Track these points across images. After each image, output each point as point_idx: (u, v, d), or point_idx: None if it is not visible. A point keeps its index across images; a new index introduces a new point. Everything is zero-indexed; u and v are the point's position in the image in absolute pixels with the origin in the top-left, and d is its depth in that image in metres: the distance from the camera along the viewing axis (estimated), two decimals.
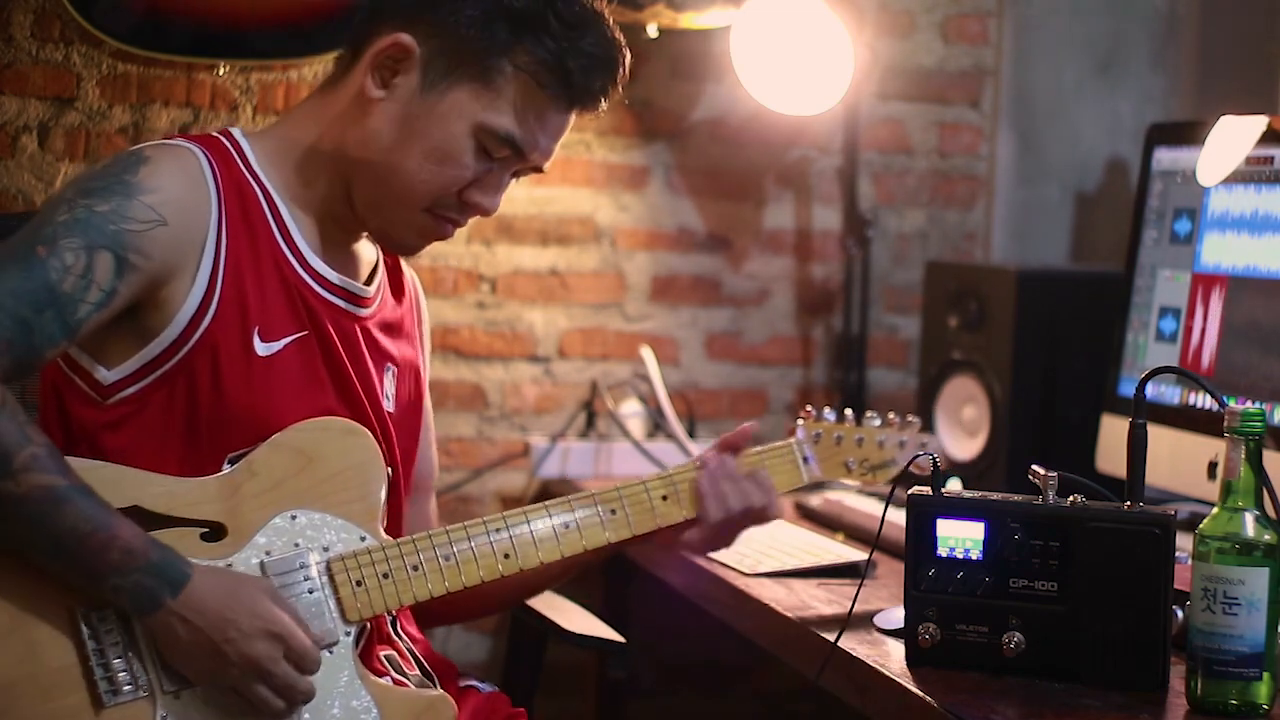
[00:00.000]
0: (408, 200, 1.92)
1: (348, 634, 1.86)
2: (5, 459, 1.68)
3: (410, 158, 1.90)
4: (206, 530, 1.82)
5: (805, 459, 2.13)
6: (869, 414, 2.18)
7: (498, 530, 1.95)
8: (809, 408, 2.17)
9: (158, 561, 1.73)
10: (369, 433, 1.91)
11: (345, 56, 1.96)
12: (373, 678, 1.88)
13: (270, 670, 1.75)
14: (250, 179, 1.90)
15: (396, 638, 2.01)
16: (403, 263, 2.12)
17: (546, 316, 3.21)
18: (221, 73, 2.95)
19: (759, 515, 2.05)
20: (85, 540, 1.70)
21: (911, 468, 2.03)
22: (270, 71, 2.98)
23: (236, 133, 1.94)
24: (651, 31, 3.06)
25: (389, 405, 2.01)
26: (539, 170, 1.97)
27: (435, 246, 3.06)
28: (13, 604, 1.74)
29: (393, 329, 2.05)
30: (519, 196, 3.17)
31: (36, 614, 1.74)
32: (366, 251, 2.04)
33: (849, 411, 2.18)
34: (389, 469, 1.96)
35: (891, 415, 2.19)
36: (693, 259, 3.28)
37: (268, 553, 1.83)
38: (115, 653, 1.75)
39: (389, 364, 2.02)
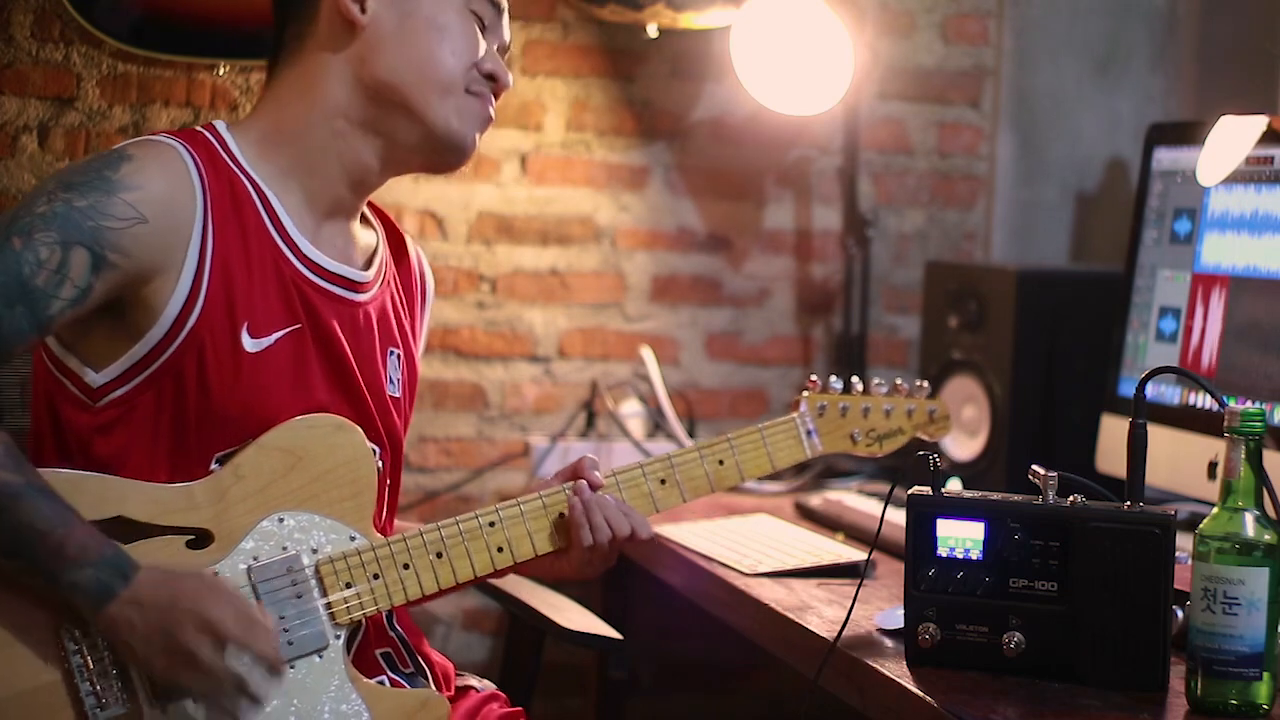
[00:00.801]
0: (450, 83, 1.93)
1: (338, 637, 1.85)
2: None
3: (430, 43, 1.92)
4: (192, 538, 1.81)
5: (808, 432, 2.09)
6: (877, 382, 2.13)
7: (490, 524, 1.93)
8: (814, 378, 2.12)
9: (110, 555, 1.72)
10: (358, 428, 1.90)
11: (295, 23, 1.95)
12: (364, 680, 1.86)
13: (226, 631, 1.72)
14: (238, 172, 1.89)
15: (391, 633, 2.00)
16: (407, 238, 2.11)
17: (546, 316, 3.20)
18: (221, 73, 2.95)
19: (628, 539, 1.97)
20: (43, 538, 1.69)
21: (920, 434, 1.99)
22: None
23: (220, 126, 1.92)
24: (651, 31, 3.05)
25: (393, 390, 1.99)
26: (504, 51, 2.02)
27: (435, 246, 3.08)
28: None
29: (397, 310, 2.04)
30: (519, 196, 3.17)
31: (21, 632, 1.73)
32: (365, 236, 2.02)
33: (856, 380, 2.13)
34: (388, 456, 1.95)
35: (899, 382, 2.14)
36: (693, 259, 3.28)
37: (255, 558, 1.82)
38: (101, 669, 1.74)
39: (392, 347, 2.01)
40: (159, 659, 1.73)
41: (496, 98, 1.99)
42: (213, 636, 1.73)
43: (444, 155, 1.98)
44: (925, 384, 2.15)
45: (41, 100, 2.89)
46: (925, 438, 2.12)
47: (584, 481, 1.96)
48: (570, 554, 1.97)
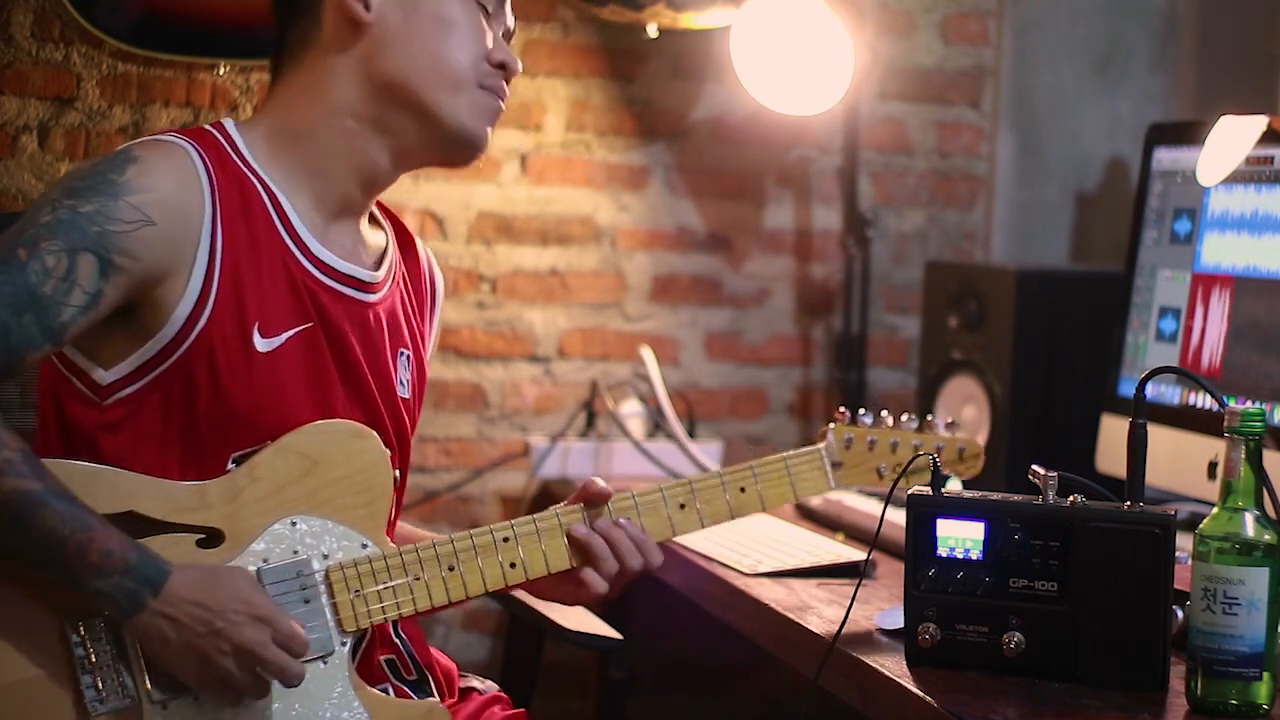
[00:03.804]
0: (461, 79, 1.92)
1: (344, 644, 1.84)
2: None
3: (438, 39, 1.91)
4: (203, 536, 1.80)
5: (834, 464, 2.05)
6: (906, 416, 2.09)
7: (505, 539, 1.92)
8: (842, 409, 2.08)
9: (136, 563, 1.71)
10: (376, 436, 1.89)
11: (298, 24, 1.94)
12: (367, 689, 1.86)
13: (262, 655, 1.74)
14: (247, 171, 1.88)
15: (396, 639, 2.00)
16: (417, 239, 2.10)
17: (546, 316, 3.21)
18: (221, 73, 2.95)
19: (638, 573, 1.97)
20: (64, 544, 1.68)
21: (947, 473, 1.95)
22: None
23: (229, 124, 1.91)
24: (651, 31, 3.06)
25: (404, 391, 1.99)
26: (510, 35, 2.00)
27: (435, 246, 3.08)
28: None
29: (406, 311, 2.03)
30: (519, 196, 3.17)
31: (23, 624, 1.73)
32: (374, 236, 2.02)
33: (885, 414, 2.09)
34: (397, 459, 1.94)
35: (930, 417, 2.11)
36: (693, 259, 3.28)
37: (265, 560, 1.81)
38: (103, 662, 1.74)
39: (402, 348, 2.00)
40: (193, 673, 1.74)
41: (507, 84, 1.98)
42: (250, 659, 1.74)
43: (458, 151, 1.97)
44: (956, 421, 2.13)
45: (41, 100, 2.89)
46: (954, 474, 2.07)
47: (600, 514, 1.95)
48: (578, 579, 1.95)
